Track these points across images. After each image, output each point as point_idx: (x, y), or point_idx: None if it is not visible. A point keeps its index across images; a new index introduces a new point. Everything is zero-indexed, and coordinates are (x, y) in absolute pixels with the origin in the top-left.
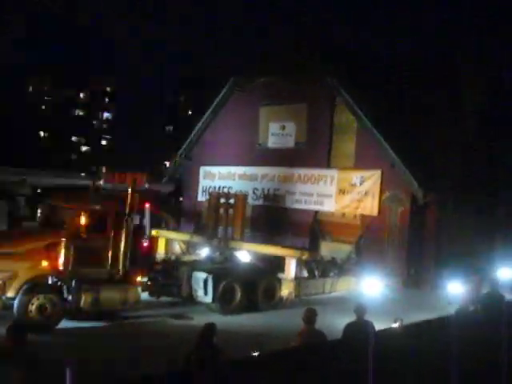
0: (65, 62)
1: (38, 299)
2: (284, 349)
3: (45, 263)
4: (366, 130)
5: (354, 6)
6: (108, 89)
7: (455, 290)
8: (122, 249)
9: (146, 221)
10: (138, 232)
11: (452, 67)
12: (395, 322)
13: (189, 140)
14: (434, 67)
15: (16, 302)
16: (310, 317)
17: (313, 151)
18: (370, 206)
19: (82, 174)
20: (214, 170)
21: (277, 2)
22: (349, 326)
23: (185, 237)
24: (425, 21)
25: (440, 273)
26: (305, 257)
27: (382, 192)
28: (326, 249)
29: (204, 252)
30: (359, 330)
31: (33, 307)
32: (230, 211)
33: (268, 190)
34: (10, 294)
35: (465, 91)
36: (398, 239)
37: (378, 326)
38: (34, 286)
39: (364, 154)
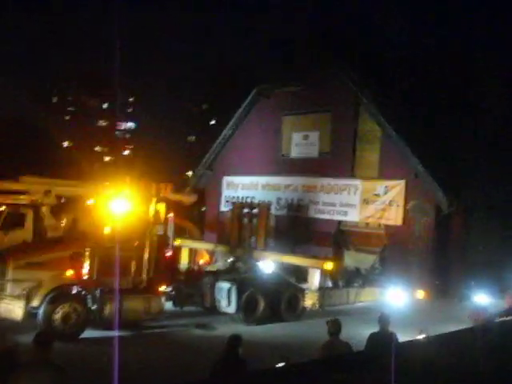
0: (88, 72)
1: (62, 308)
2: (309, 361)
3: (69, 273)
4: (389, 140)
5: (376, 7)
6: (131, 99)
7: (481, 300)
8: (145, 258)
9: (170, 231)
10: (161, 242)
11: (476, 68)
12: (420, 333)
13: (211, 150)
14: (458, 69)
15: (40, 312)
16: (335, 328)
17: (336, 161)
18: (394, 216)
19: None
20: (237, 180)
21: (302, 7)
22: (372, 337)
23: (208, 247)
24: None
25: (466, 283)
26: (329, 267)
27: (406, 202)
28: (350, 259)
29: (227, 262)
30: (382, 340)
31: (57, 316)
32: (254, 221)
33: (291, 199)
34: (34, 303)
35: (489, 92)
36: (422, 249)
37: (403, 337)
38: (59, 295)
39: (388, 163)
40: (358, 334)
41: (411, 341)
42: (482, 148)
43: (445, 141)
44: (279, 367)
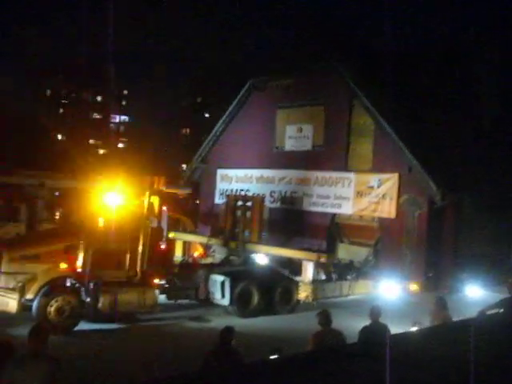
0: (81, 65)
1: (56, 301)
2: (301, 352)
3: (63, 265)
4: (383, 133)
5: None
6: (125, 91)
7: (474, 293)
8: (139, 251)
9: (164, 223)
10: (155, 235)
11: (468, 61)
12: (414, 325)
13: (205, 143)
14: (450, 62)
15: (35, 304)
16: (325, 320)
17: (330, 154)
18: (388, 209)
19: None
20: (231, 172)
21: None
22: (364, 329)
23: (202, 239)
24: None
25: (459, 276)
26: (322, 260)
27: (399, 195)
28: (344, 251)
29: (221, 255)
30: (375, 333)
31: (52, 309)
32: (248, 214)
33: (285, 192)
34: (29, 296)
35: (482, 86)
36: (415, 242)
37: (397, 329)
38: (53, 288)
39: (382, 156)
40: (351, 326)
41: (405, 332)
42: (476, 142)
43: (438, 135)
44: (272, 359)
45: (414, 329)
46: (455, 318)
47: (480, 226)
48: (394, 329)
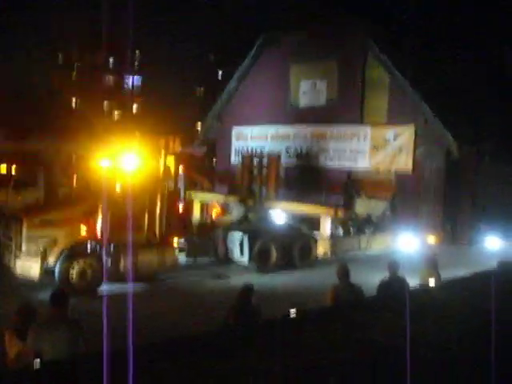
0: (93, 27)
1: (78, 264)
2: (320, 307)
3: (83, 229)
4: (398, 86)
5: None
6: (137, 52)
7: (493, 244)
8: (158, 212)
9: (181, 184)
10: (173, 195)
11: (488, 14)
12: (431, 277)
13: (220, 100)
14: (470, 16)
15: (57, 268)
16: (342, 272)
17: (345, 108)
18: (404, 162)
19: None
20: (247, 130)
21: None
22: (382, 284)
23: (219, 198)
24: None
25: (477, 227)
26: (340, 215)
27: (416, 147)
28: (361, 206)
29: (239, 213)
30: (393, 287)
31: (73, 272)
32: (264, 171)
33: (301, 148)
34: (50, 260)
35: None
36: (433, 194)
37: (415, 282)
38: (74, 251)
39: (397, 109)
40: (370, 280)
41: (422, 285)
42: (493, 94)
43: (455, 86)
44: (291, 314)
45: (432, 281)
46: (475, 270)
47: (498, 176)
48: (413, 282)
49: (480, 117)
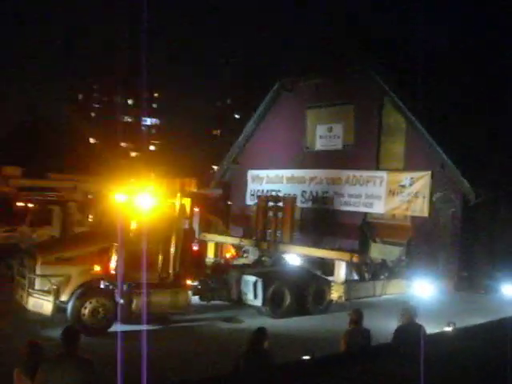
0: (113, 69)
1: (90, 303)
2: (334, 353)
3: (97, 267)
4: (414, 131)
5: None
6: (156, 94)
7: (510, 292)
8: (172, 253)
9: (196, 225)
10: (187, 236)
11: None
12: (448, 325)
13: (236, 144)
14: (484, 63)
15: (69, 306)
16: (357, 317)
17: (361, 153)
18: (421, 208)
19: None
20: (262, 173)
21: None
22: (399, 330)
23: (234, 241)
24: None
25: (494, 275)
26: (355, 259)
27: (432, 193)
28: (376, 251)
29: (253, 255)
30: (410, 333)
31: (86, 311)
32: (279, 214)
33: (316, 192)
34: (63, 298)
35: None
36: (449, 240)
37: (431, 329)
38: (87, 290)
39: (413, 154)
40: (385, 326)
41: (439, 333)
42: (510, 140)
43: (471, 132)
44: (305, 360)
45: (449, 329)
46: (492, 318)
47: None
48: (429, 329)
49: (498, 163)
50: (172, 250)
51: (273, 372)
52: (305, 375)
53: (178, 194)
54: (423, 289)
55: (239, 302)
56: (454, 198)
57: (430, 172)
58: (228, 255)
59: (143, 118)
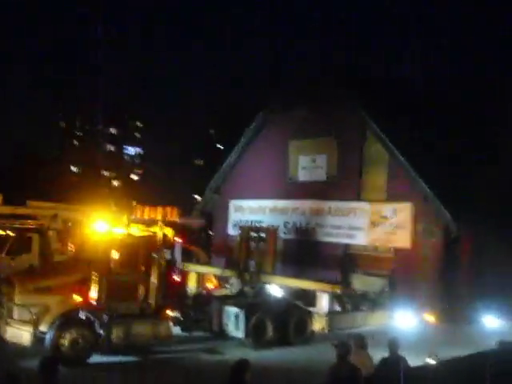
0: (94, 97)
1: (70, 333)
2: None
3: (77, 297)
4: (397, 162)
5: (382, 31)
6: (138, 123)
7: (491, 323)
8: (153, 283)
9: (177, 255)
10: (169, 266)
11: (488, 94)
12: (430, 357)
13: (219, 174)
14: (465, 93)
15: (48, 336)
16: (343, 351)
17: (344, 184)
18: (403, 239)
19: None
20: (245, 203)
21: (302, 33)
22: (382, 362)
23: (216, 271)
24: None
25: (475, 307)
26: (337, 291)
27: (414, 224)
28: (359, 282)
29: (235, 286)
30: (393, 365)
31: (65, 341)
32: (261, 245)
33: (299, 223)
34: (42, 328)
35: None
36: (431, 272)
37: (413, 361)
38: (67, 320)
39: (395, 186)
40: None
41: (421, 365)
42: (492, 172)
43: (453, 164)
44: None
45: (431, 361)
46: (473, 350)
47: (497, 256)
48: (411, 360)
49: (480, 195)
50: (153, 280)
51: None
52: None
53: (160, 224)
54: (405, 320)
55: (221, 333)
56: (436, 230)
57: (411, 203)
58: (210, 286)
59: (126, 147)
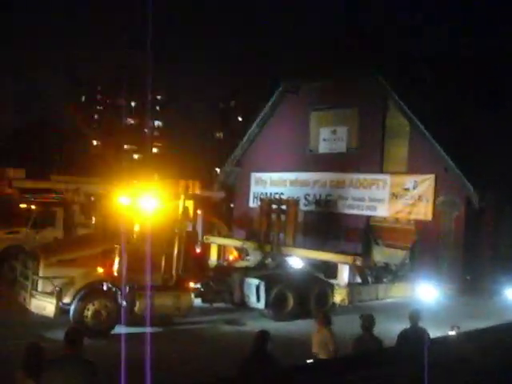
0: (116, 70)
1: (93, 305)
2: (337, 357)
3: (100, 269)
4: (418, 134)
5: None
6: (158, 97)
7: None
8: (175, 255)
9: (199, 227)
10: (190, 239)
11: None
12: (452, 329)
13: (239, 146)
14: (488, 65)
15: (72, 308)
16: (368, 323)
17: (365, 156)
18: (424, 211)
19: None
20: (266, 176)
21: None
22: (403, 333)
23: (237, 243)
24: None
25: (497, 279)
26: (358, 263)
27: (436, 196)
28: (379, 254)
29: (256, 258)
30: (414, 336)
31: (88, 313)
32: (282, 217)
33: (320, 195)
34: (66, 300)
35: None
36: (453, 244)
37: (434, 333)
38: (90, 292)
39: (417, 157)
40: (388, 330)
41: (443, 337)
42: None
43: (475, 136)
44: (308, 363)
45: (453, 333)
46: (496, 322)
47: None
48: (432, 332)
49: (502, 166)
50: (175, 252)
51: (277, 375)
52: (307, 379)
53: (182, 196)
54: (427, 292)
55: (242, 305)
56: (458, 202)
57: (433, 175)
58: (231, 257)
59: (147, 121)
